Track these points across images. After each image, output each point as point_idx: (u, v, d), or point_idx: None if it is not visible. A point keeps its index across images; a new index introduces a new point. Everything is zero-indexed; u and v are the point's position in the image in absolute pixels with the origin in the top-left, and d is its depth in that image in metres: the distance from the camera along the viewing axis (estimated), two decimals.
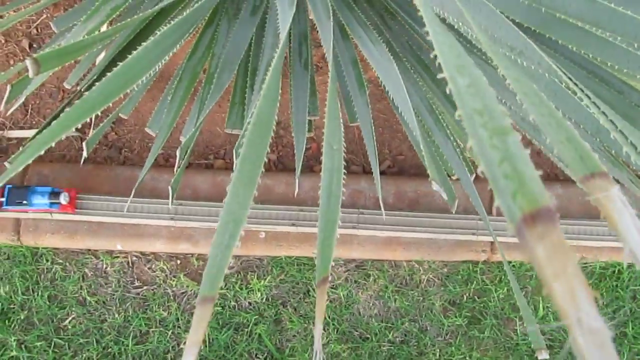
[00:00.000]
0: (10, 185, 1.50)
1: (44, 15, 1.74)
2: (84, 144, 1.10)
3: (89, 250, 1.63)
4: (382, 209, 1.03)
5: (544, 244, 0.30)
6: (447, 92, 0.35)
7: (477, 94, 0.33)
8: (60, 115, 0.65)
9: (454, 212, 1.18)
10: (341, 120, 0.69)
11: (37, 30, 1.75)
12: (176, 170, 1.07)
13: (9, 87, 1.09)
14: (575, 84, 0.59)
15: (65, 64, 1.53)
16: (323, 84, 1.67)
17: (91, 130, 1.63)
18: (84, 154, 1.42)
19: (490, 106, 0.33)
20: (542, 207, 0.31)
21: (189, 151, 1.05)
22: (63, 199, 1.48)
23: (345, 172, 0.81)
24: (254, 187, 0.52)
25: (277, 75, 0.60)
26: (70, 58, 0.69)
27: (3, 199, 1.49)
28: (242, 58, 1.08)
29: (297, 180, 0.94)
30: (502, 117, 0.32)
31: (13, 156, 0.99)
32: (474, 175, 1.13)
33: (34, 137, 0.79)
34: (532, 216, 0.31)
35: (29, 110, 1.71)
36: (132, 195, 1.24)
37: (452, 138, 1.07)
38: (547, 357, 0.86)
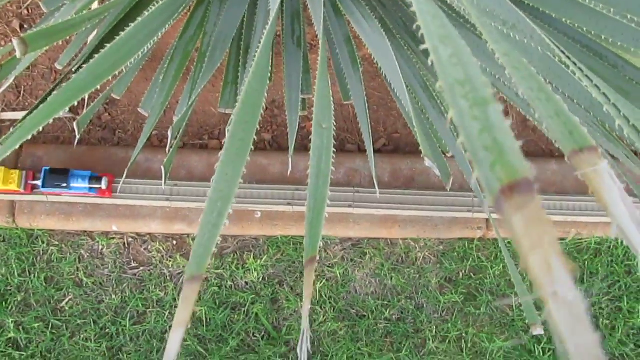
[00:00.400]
0: (47, 168, 1.50)
1: None
2: (75, 124, 1.09)
3: (85, 231, 1.63)
4: (377, 187, 1.03)
5: (521, 214, 0.30)
6: (430, 63, 0.35)
7: (459, 64, 0.33)
8: (49, 98, 0.64)
9: (448, 190, 1.18)
10: (332, 99, 0.68)
11: (28, 11, 1.73)
12: (169, 150, 1.06)
13: None
14: (568, 57, 0.59)
15: (55, 44, 1.52)
16: (316, 62, 1.66)
17: (84, 111, 1.61)
18: (77, 134, 1.41)
19: (472, 76, 0.32)
20: (521, 179, 0.31)
21: (181, 130, 1.05)
22: (104, 183, 1.49)
23: (338, 150, 0.80)
24: (242, 165, 0.52)
25: (267, 50, 0.59)
26: (59, 38, 0.68)
27: (38, 181, 1.49)
28: (235, 36, 1.07)
29: (290, 159, 0.94)
30: (484, 88, 0.32)
31: (4, 137, 0.99)
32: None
33: (23, 119, 0.78)
34: (510, 187, 0.31)
35: (22, 92, 1.69)
36: (124, 176, 1.24)
37: (446, 115, 1.06)
38: (542, 332, 0.87)
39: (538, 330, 0.86)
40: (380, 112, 1.71)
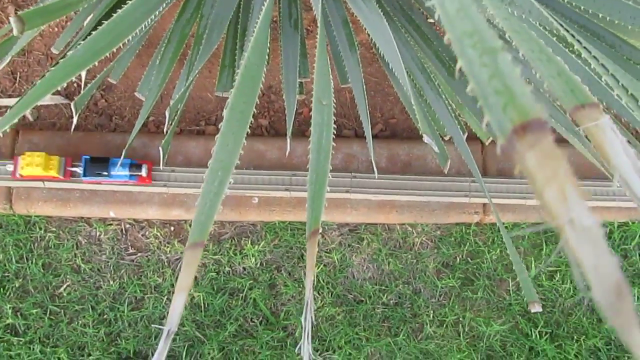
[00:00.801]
0: (87, 157, 1.49)
1: None
2: (72, 105, 1.09)
3: (82, 218, 1.63)
4: (375, 171, 1.03)
5: (534, 151, 0.30)
6: (437, 17, 0.35)
7: (466, 17, 0.33)
8: (47, 74, 0.64)
9: (446, 172, 1.18)
10: (331, 78, 0.68)
11: None
12: (166, 132, 1.06)
13: None
14: (567, 29, 0.59)
15: (50, 30, 1.51)
16: (314, 47, 1.66)
17: (81, 92, 1.61)
18: (74, 117, 1.41)
19: (480, 29, 0.32)
20: (533, 119, 0.31)
21: (179, 113, 1.05)
22: (144, 170, 1.48)
23: (335, 136, 0.80)
24: (242, 136, 0.52)
25: (266, 26, 0.59)
26: (55, 16, 0.68)
27: (77, 169, 1.49)
28: (231, 20, 1.06)
29: (288, 140, 0.94)
30: (492, 38, 0.32)
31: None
32: (466, 135, 1.13)
33: (20, 99, 0.78)
34: (522, 127, 0.32)
35: (17, 78, 1.69)
36: (122, 157, 1.24)
37: (444, 97, 1.07)
38: (540, 309, 0.87)
39: (537, 308, 0.86)
40: (377, 98, 1.71)
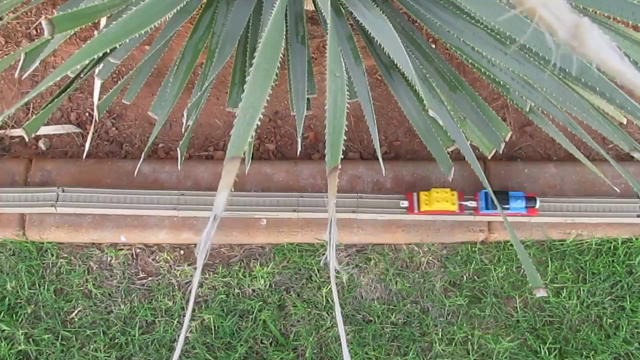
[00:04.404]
0: (485, 190, 1.56)
1: (43, 16, 1.78)
2: (95, 108, 1.15)
3: (94, 243, 1.66)
4: (382, 168, 1.07)
5: None
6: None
7: None
8: (84, 44, 0.70)
9: (451, 180, 1.21)
10: (342, 58, 0.73)
11: (37, 31, 1.79)
12: (184, 132, 1.11)
13: (23, 55, 1.13)
14: None
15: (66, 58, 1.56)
16: (319, 74, 1.71)
17: (92, 126, 1.66)
18: (86, 145, 1.46)
19: None
20: None
21: (190, 128, 1.09)
22: (538, 203, 1.56)
23: (343, 157, 0.85)
24: (268, 87, 0.58)
25: (281, 16, 0.65)
26: (83, 22, 0.73)
27: (468, 202, 1.58)
28: (241, 38, 1.11)
29: (299, 140, 1.00)
30: None
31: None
32: (470, 142, 1.17)
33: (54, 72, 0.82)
34: None
35: (31, 109, 1.74)
36: (137, 167, 1.27)
37: (447, 107, 1.10)
38: (545, 294, 0.90)
39: (541, 292, 0.89)
40: (382, 121, 1.75)
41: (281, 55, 0.73)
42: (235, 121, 0.64)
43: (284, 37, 0.74)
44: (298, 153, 1.31)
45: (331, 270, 0.69)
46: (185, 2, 0.84)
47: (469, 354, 1.63)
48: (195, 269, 1.65)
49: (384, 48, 0.83)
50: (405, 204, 1.59)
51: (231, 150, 0.62)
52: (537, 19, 0.36)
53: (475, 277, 1.68)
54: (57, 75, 0.66)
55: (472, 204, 1.59)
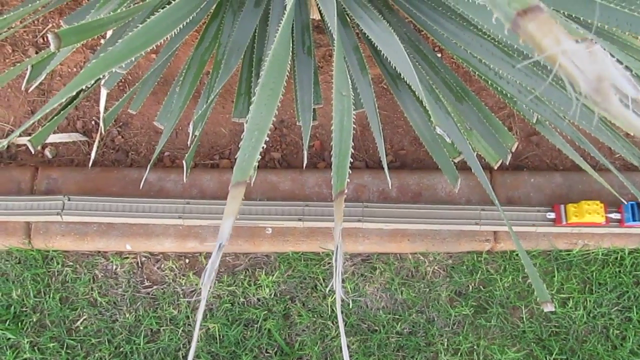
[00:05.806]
0: (633, 203, 1.57)
1: (50, 25, 1.78)
2: (101, 120, 1.15)
3: (99, 251, 1.66)
4: (388, 177, 1.07)
5: (533, 22, 0.40)
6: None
7: None
8: (88, 64, 0.70)
9: (457, 191, 1.21)
10: (349, 76, 0.73)
11: (44, 40, 1.79)
12: (190, 143, 1.11)
13: (29, 68, 1.13)
14: None
15: (71, 67, 1.56)
16: (324, 82, 1.71)
17: (98, 135, 1.66)
18: (92, 153, 1.46)
19: None
20: (532, 5, 0.41)
21: (197, 138, 1.09)
22: None
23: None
24: (274, 106, 0.59)
25: (288, 25, 0.65)
26: (89, 35, 0.73)
27: (613, 214, 1.58)
28: (247, 49, 1.11)
29: (305, 152, 1.00)
30: None
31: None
32: (476, 153, 1.16)
33: (60, 92, 0.83)
34: (524, 11, 0.41)
35: (38, 119, 1.74)
36: (144, 178, 1.27)
37: (453, 118, 1.10)
38: (553, 309, 0.89)
39: (549, 307, 0.89)
40: (387, 130, 1.75)
41: (288, 68, 0.73)
42: (241, 144, 0.63)
43: (290, 50, 0.74)
44: (304, 165, 1.31)
45: (338, 295, 0.68)
46: (190, 18, 0.84)
47: None
48: (201, 278, 1.65)
49: (390, 60, 0.83)
50: (552, 215, 1.60)
51: (237, 175, 0.61)
52: (558, 67, 0.36)
53: (481, 287, 1.67)
54: (62, 96, 0.66)
55: (617, 215, 1.58)
